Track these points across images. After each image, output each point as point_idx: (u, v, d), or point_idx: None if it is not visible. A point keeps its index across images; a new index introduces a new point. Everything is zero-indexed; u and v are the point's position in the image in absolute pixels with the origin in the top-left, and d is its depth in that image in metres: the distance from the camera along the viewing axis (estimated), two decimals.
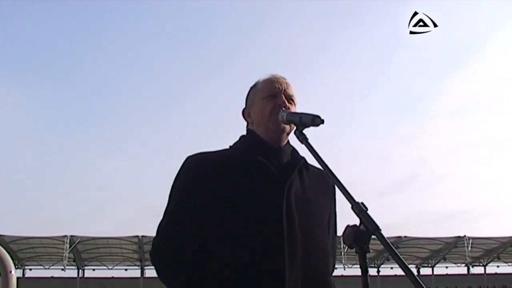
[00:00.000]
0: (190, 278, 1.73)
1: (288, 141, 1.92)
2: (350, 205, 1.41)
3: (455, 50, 49.66)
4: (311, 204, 1.83)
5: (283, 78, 1.94)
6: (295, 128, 1.71)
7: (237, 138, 1.95)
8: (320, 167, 1.57)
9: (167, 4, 48.87)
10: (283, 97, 1.88)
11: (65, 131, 49.76)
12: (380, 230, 1.33)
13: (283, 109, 1.84)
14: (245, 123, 1.98)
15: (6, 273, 1.96)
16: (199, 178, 1.79)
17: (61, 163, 48.97)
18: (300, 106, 1.94)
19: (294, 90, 1.94)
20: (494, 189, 54.52)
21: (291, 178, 1.80)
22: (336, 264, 1.98)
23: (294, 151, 1.91)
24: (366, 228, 1.35)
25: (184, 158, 1.86)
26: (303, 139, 1.64)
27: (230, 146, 1.92)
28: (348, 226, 1.39)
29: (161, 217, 1.83)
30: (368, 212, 1.37)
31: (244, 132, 1.96)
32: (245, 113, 1.98)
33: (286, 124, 1.81)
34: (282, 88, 1.90)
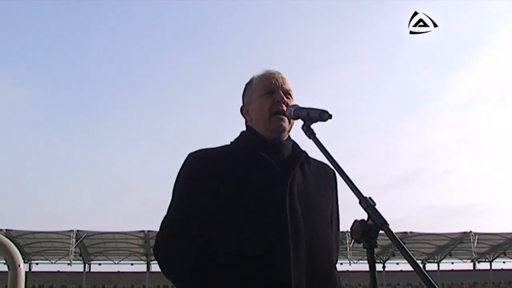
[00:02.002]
0: (194, 273, 1.73)
1: (289, 136, 1.90)
2: (357, 200, 1.41)
3: (460, 44, 49.46)
4: (313, 197, 1.82)
5: (278, 73, 1.92)
6: (301, 124, 1.70)
7: (238, 134, 1.93)
8: (321, 160, 1.56)
9: (169, 3, 48.83)
10: (281, 93, 1.86)
11: (72, 127, 50.09)
12: (388, 225, 1.33)
13: (282, 105, 1.83)
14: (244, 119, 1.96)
15: (15, 267, 1.98)
16: (202, 175, 1.79)
17: (68, 159, 49.24)
18: (306, 101, 1.92)
19: (290, 84, 1.91)
20: (500, 184, 54.32)
21: (293, 172, 1.79)
22: (341, 259, 1.98)
23: (295, 145, 1.90)
24: (374, 223, 1.35)
25: (186, 155, 1.85)
26: (311, 134, 1.64)
27: (231, 142, 1.91)
28: (356, 220, 1.38)
29: (165, 214, 1.83)
30: (376, 207, 1.37)
31: (244, 128, 1.95)
32: (243, 111, 1.96)
33: (294, 119, 1.80)
34: (279, 84, 1.88)
